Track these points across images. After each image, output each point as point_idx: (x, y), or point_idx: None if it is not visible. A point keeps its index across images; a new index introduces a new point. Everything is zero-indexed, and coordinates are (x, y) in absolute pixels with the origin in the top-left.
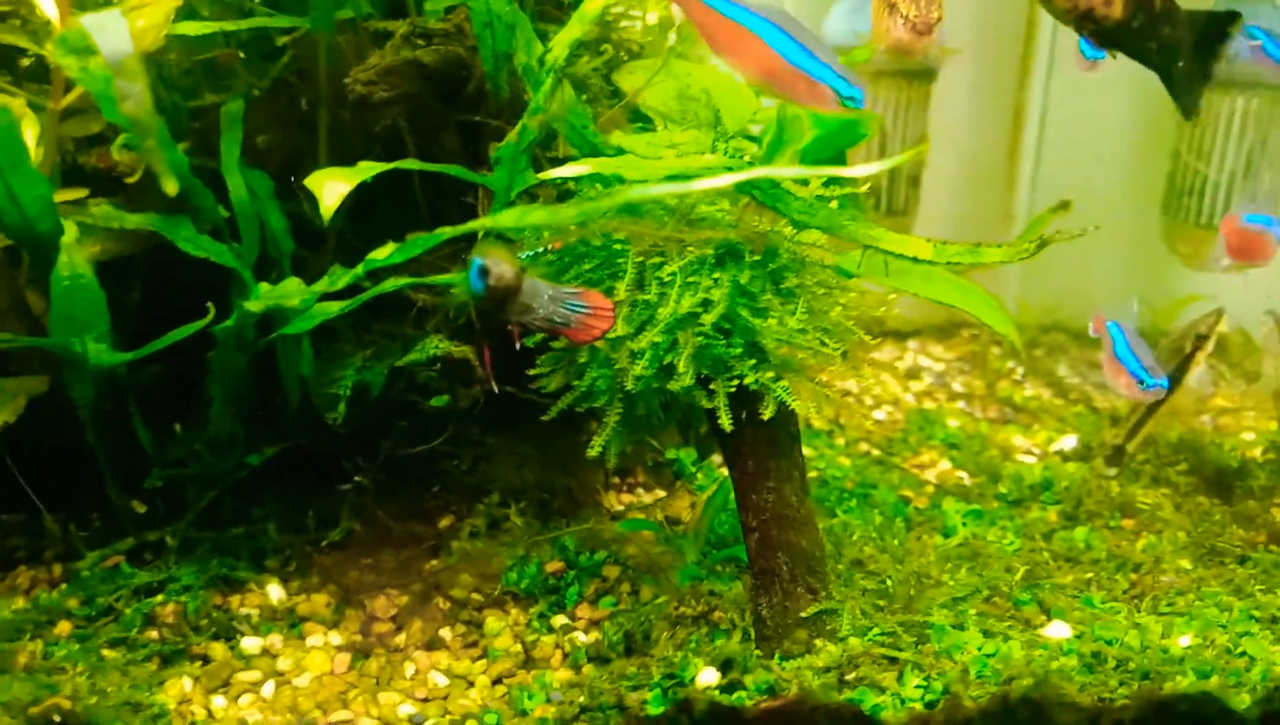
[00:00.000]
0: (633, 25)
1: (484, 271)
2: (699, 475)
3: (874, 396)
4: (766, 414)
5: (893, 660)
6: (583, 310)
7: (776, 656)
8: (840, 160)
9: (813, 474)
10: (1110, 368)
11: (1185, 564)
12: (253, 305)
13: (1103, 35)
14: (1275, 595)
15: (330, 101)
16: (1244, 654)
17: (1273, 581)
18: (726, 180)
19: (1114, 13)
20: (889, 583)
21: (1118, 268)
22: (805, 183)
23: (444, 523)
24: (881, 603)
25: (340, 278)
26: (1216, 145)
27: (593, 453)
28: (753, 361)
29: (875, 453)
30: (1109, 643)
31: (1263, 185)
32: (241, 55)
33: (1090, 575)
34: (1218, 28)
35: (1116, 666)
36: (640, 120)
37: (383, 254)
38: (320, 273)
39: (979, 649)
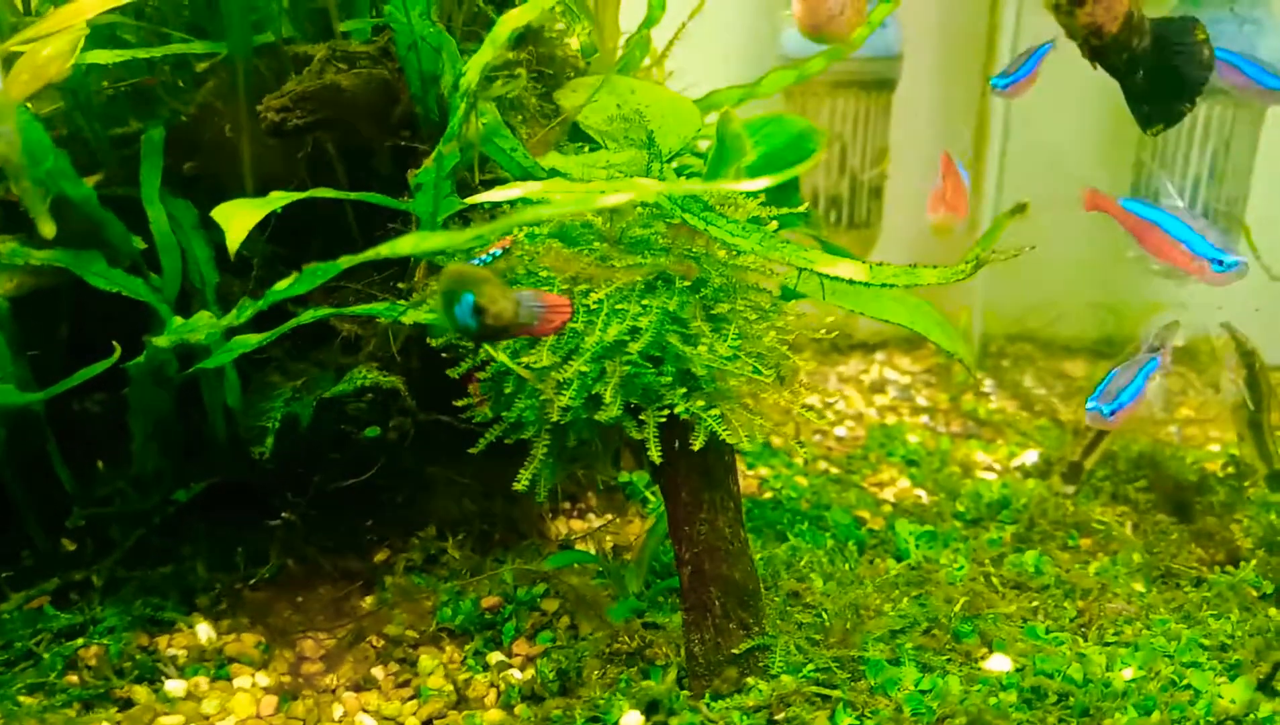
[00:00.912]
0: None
1: (480, 310)
2: (653, 499)
3: (836, 412)
4: (697, 444)
5: (825, 698)
6: (542, 309)
7: (707, 696)
8: (791, 181)
9: (768, 495)
10: (1170, 253)
11: (1139, 587)
12: (160, 341)
13: (1097, 50)
14: (1226, 621)
15: (251, 128)
16: (1188, 686)
17: (1225, 606)
18: (618, 198)
19: (1113, 28)
20: (825, 616)
21: (1085, 277)
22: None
23: (379, 557)
24: (818, 636)
25: (246, 310)
26: (1179, 153)
27: (519, 487)
28: (683, 390)
29: (834, 471)
30: (1050, 676)
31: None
32: (168, 80)
33: (1036, 603)
34: (1173, 36)
35: (1056, 702)
36: (583, 140)
37: (283, 285)
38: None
39: (915, 684)
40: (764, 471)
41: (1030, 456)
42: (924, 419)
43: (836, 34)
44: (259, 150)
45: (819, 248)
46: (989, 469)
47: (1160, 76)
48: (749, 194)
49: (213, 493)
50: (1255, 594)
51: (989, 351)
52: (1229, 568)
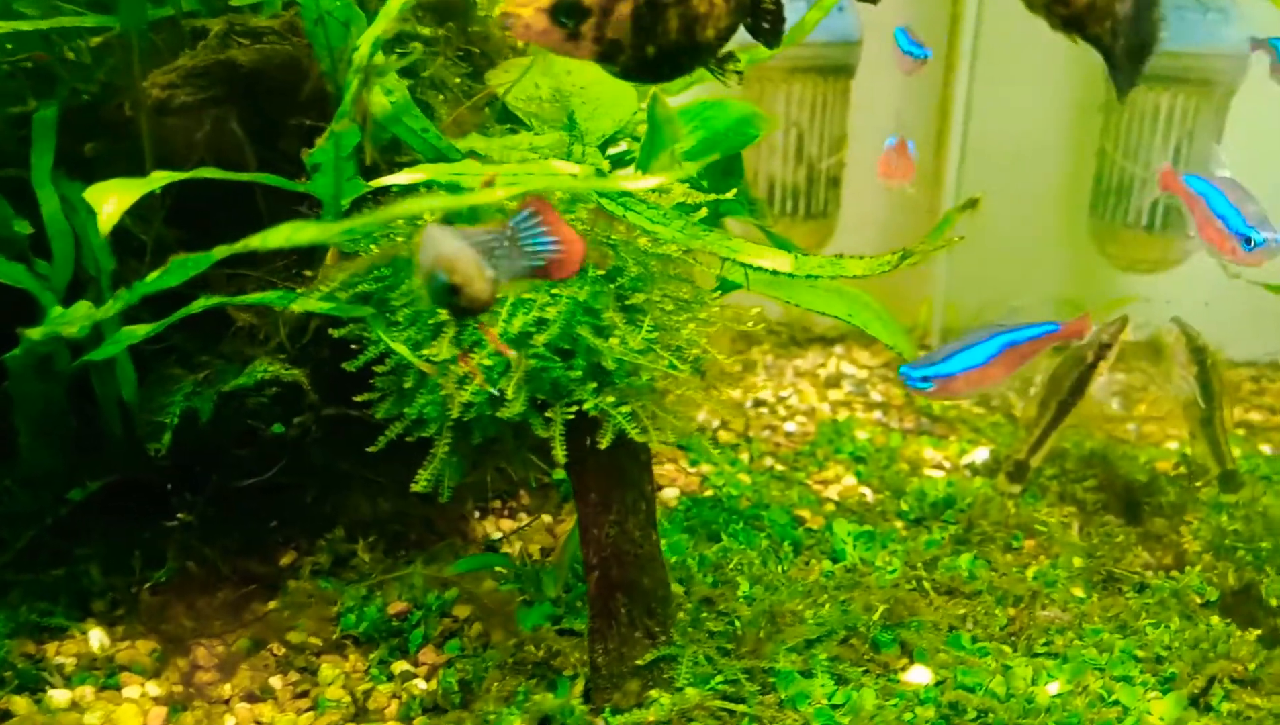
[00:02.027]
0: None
1: (453, 290)
2: None
3: (788, 407)
4: (604, 443)
5: (730, 713)
6: (551, 245)
7: (607, 710)
8: (734, 162)
9: (708, 493)
10: (1207, 230)
11: (1078, 593)
12: (34, 332)
13: (1069, 20)
14: (1164, 630)
15: (148, 106)
16: (1116, 703)
17: (1165, 614)
18: (500, 194)
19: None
20: (738, 624)
21: (1048, 269)
22: (701, 187)
23: (285, 560)
24: (729, 646)
25: (120, 300)
26: (1142, 142)
27: (417, 488)
28: (594, 385)
29: (780, 468)
30: (971, 690)
31: None
32: (68, 57)
33: (965, 610)
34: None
35: (976, 718)
36: (516, 121)
37: (153, 277)
38: None
39: (827, 698)
40: (707, 468)
41: (981, 454)
42: (877, 415)
43: None
44: (159, 130)
45: (764, 238)
46: (938, 467)
47: (1133, 38)
48: (689, 180)
49: (110, 491)
50: (1198, 601)
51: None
52: (1174, 573)
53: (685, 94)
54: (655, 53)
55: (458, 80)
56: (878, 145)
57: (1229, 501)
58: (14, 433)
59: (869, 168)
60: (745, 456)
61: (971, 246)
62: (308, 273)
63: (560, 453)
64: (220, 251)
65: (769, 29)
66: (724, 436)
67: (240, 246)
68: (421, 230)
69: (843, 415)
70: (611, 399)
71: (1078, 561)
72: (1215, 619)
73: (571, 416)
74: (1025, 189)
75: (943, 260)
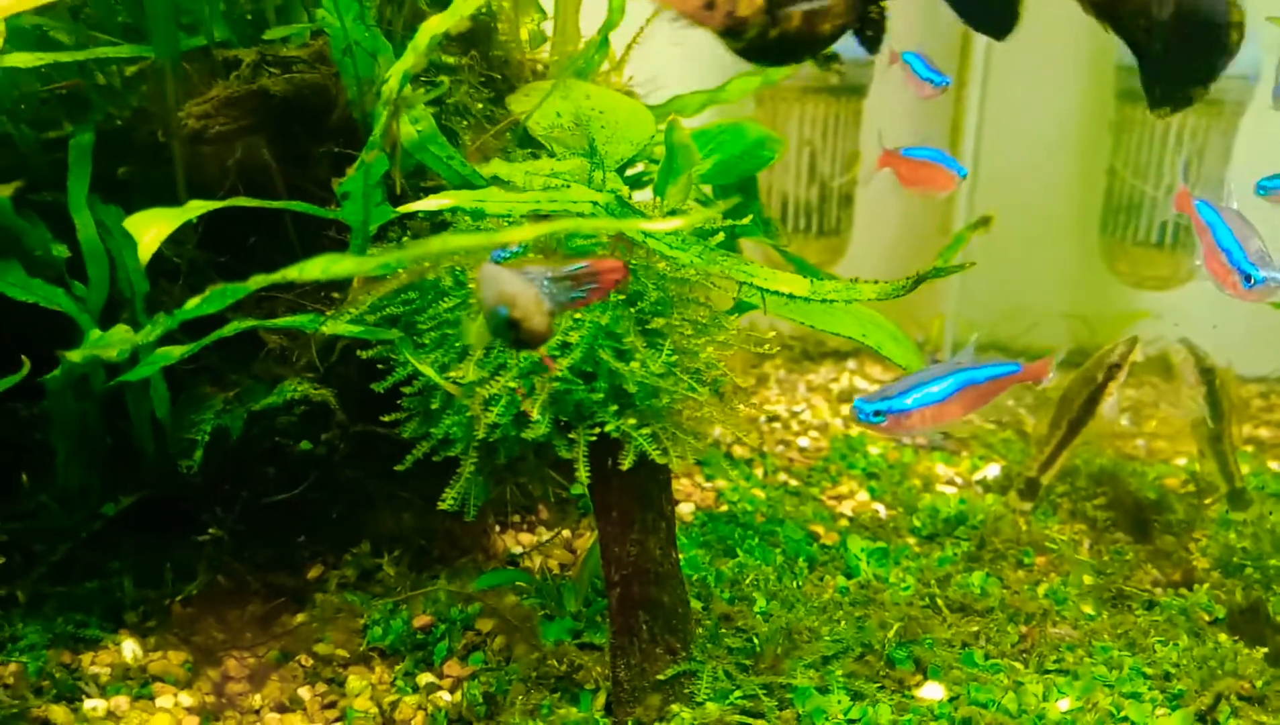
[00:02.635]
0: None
1: (514, 325)
2: None
3: (801, 422)
4: (626, 463)
5: None
6: (593, 284)
7: (629, 723)
8: (749, 184)
9: (724, 508)
10: (1212, 260)
11: (1088, 610)
12: (74, 355)
13: (1105, 9)
14: (1173, 648)
15: (183, 135)
16: (1125, 719)
17: (1174, 631)
18: (528, 233)
19: None
20: (756, 640)
21: (1058, 285)
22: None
23: (312, 573)
24: (748, 662)
25: (159, 326)
26: (1152, 161)
27: (444, 506)
28: (615, 407)
29: (794, 483)
30: (983, 706)
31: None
32: (102, 84)
33: (978, 627)
34: (1201, 10)
35: None
36: (537, 145)
37: (192, 304)
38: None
39: (844, 714)
40: (722, 483)
41: (992, 470)
42: None
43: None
44: (191, 155)
45: (779, 257)
46: (950, 483)
47: (1178, 53)
48: (702, 200)
49: (143, 505)
50: (1206, 619)
51: None
52: (1183, 590)
53: (701, 115)
54: (776, 37)
55: (480, 106)
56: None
57: (1238, 519)
58: (50, 450)
59: (880, 186)
60: (760, 472)
61: (983, 263)
62: (336, 295)
63: (584, 473)
64: (258, 281)
65: (871, 37)
66: (738, 451)
67: (278, 277)
68: (481, 267)
69: (855, 430)
70: (633, 421)
71: (1088, 579)
72: (1223, 636)
73: (594, 437)
74: (1036, 206)
75: (956, 278)
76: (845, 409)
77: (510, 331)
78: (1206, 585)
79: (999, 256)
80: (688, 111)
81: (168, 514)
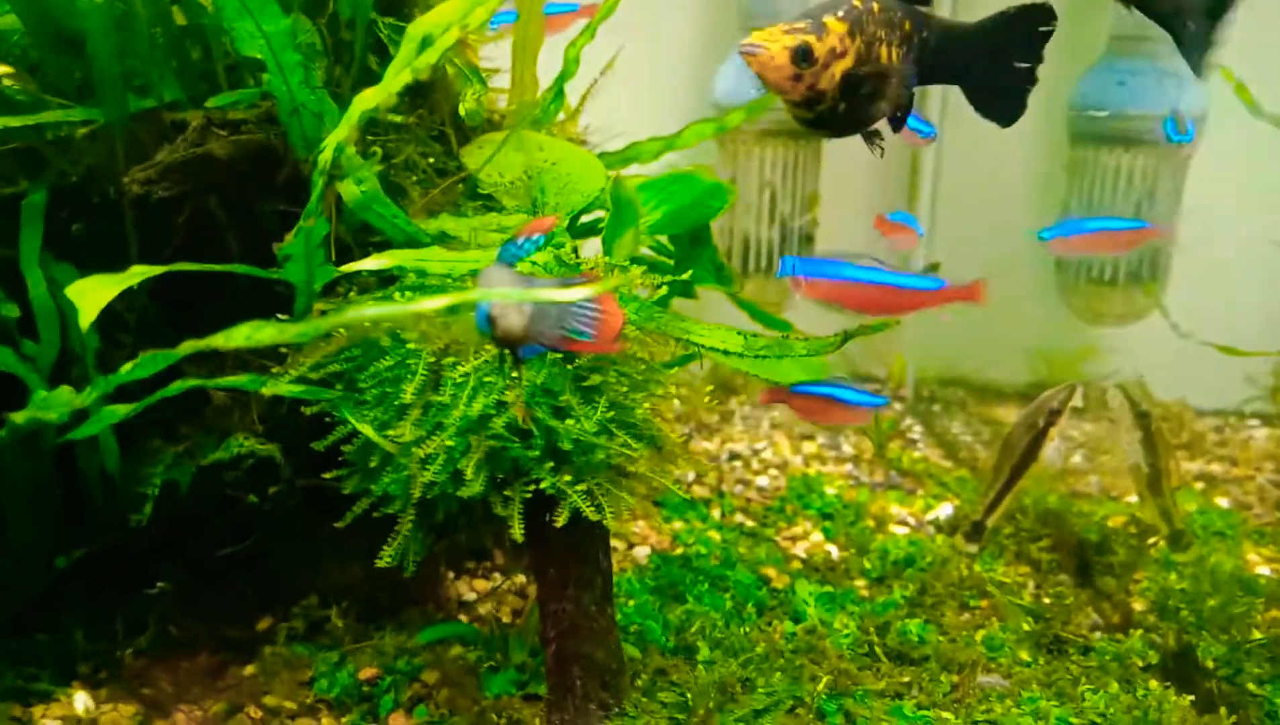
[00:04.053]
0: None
1: (490, 321)
2: None
3: (762, 460)
4: (559, 522)
5: None
6: (593, 314)
7: None
8: (702, 232)
9: (679, 551)
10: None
11: (1025, 656)
12: (18, 417)
13: None
14: (1102, 696)
15: (127, 198)
16: None
17: (1105, 678)
18: (438, 302)
19: None
20: (689, 695)
21: (1017, 321)
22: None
23: (262, 625)
24: (681, 716)
25: (97, 388)
26: (1104, 200)
27: (382, 563)
28: (551, 464)
29: (750, 524)
30: None
31: None
32: (56, 137)
33: (910, 677)
34: None
35: None
36: (486, 196)
37: (125, 369)
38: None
39: None
40: (679, 525)
41: (945, 510)
42: (849, 467)
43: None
44: (140, 214)
45: (732, 302)
46: (902, 523)
47: (1202, 24)
48: (656, 248)
49: (94, 558)
50: (1140, 664)
51: (920, 396)
52: (1119, 635)
53: (659, 160)
54: (845, 111)
55: (431, 160)
56: (849, 204)
57: (1178, 560)
58: (0, 507)
59: (841, 225)
60: (717, 512)
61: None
62: (283, 349)
63: (518, 531)
64: (186, 348)
65: (899, 118)
66: (698, 491)
67: (204, 345)
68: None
69: (814, 468)
70: (568, 478)
71: (1026, 625)
72: (1154, 683)
73: (529, 495)
74: (994, 244)
75: (914, 314)
76: (806, 446)
77: (485, 324)
78: (1140, 631)
79: None
80: (645, 158)
81: (119, 566)
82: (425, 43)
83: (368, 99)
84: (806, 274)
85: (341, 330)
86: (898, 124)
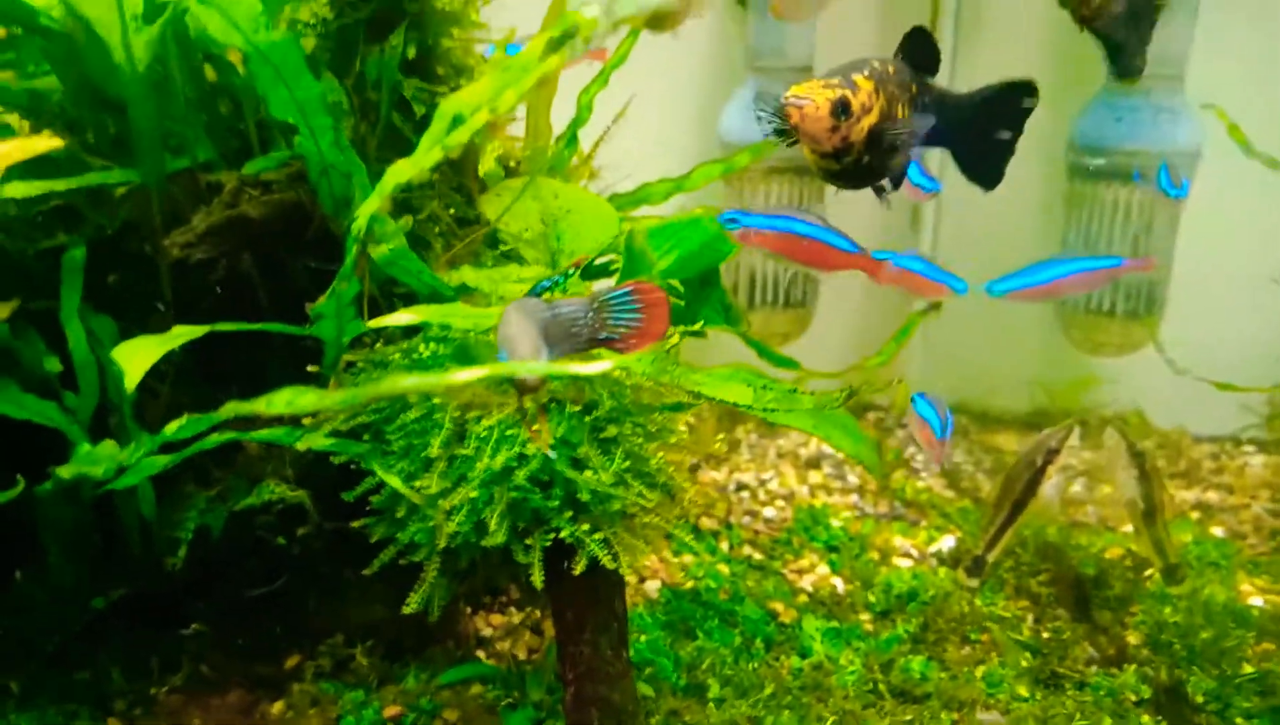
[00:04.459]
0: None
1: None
2: None
3: (768, 491)
4: (578, 569)
5: None
6: (634, 313)
7: None
8: (711, 275)
9: (689, 584)
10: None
11: (1023, 691)
12: (64, 471)
13: (1085, 21)
14: None
15: (167, 261)
16: None
17: (1100, 714)
18: (472, 374)
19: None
20: None
21: (1017, 351)
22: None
23: (290, 663)
24: None
25: (142, 447)
26: (1102, 234)
27: (409, 610)
28: (570, 513)
29: (758, 557)
30: None
31: None
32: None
33: (912, 715)
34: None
35: None
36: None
37: (171, 428)
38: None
39: None
40: (688, 559)
41: (948, 542)
42: (854, 498)
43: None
44: (177, 268)
45: (741, 340)
46: (906, 556)
47: (1131, 35)
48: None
49: (131, 599)
50: (1133, 699)
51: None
52: (1113, 669)
53: (668, 202)
54: (867, 163)
55: (452, 211)
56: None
57: (1173, 593)
58: (43, 550)
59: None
60: (725, 544)
61: (946, 330)
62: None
63: (539, 578)
64: (228, 411)
65: (899, 174)
66: (706, 523)
67: (246, 409)
68: (507, 303)
69: (820, 499)
70: (586, 527)
71: (1024, 661)
72: (1146, 718)
73: (549, 543)
74: (995, 276)
75: (918, 343)
76: (812, 476)
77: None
78: (1134, 666)
79: (961, 324)
80: (655, 199)
81: (154, 606)
82: (456, 121)
83: (400, 172)
84: (749, 224)
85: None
86: (898, 180)
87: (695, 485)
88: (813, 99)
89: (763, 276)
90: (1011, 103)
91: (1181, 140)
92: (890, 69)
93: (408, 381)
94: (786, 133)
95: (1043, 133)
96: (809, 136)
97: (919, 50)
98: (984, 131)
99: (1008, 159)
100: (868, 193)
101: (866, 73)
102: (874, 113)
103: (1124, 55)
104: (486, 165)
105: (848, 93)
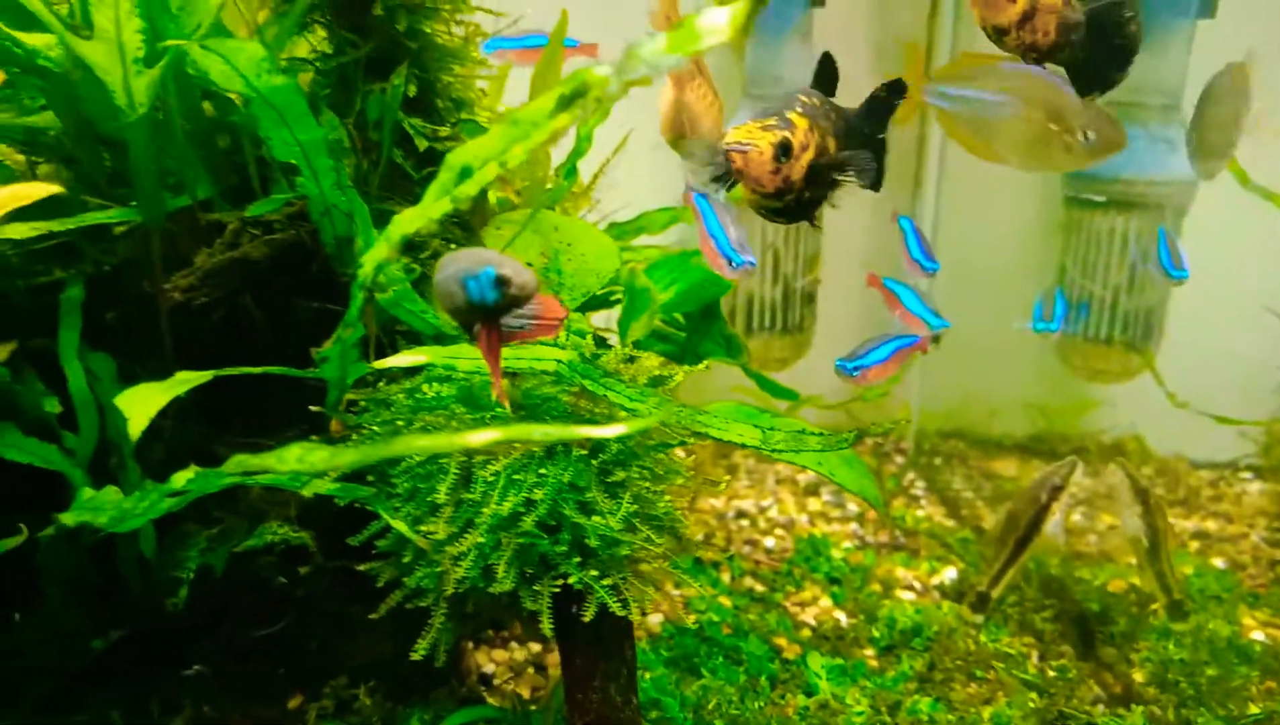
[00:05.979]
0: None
1: (503, 281)
2: None
3: (768, 519)
4: (587, 616)
5: None
6: (534, 319)
7: None
8: (712, 307)
9: (692, 619)
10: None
11: None
12: (67, 518)
13: (1039, 55)
14: None
15: (168, 304)
16: None
17: None
18: (485, 437)
19: (1047, 42)
20: None
21: (1016, 376)
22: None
23: (293, 704)
24: None
25: (148, 497)
26: (1100, 261)
27: (416, 656)
28: (578, 559)
29: (760, 588)
30: None
31: None
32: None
33: None
34: (1108, 20)
35: None
36: None
37: (180, 479)
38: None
39: None
40: (691, 592)
41: (950, 574)
42: (853, 527)
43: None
44: (176, 308)
45: (742, 372)
46: (909, 588)
47: (1097, 53)
48: (669, 321)
49: (131, 639)
50: None
51: (922, 448)
52: (1120, 710)
53: (667, 232)
54: (806, 200)
55: (453, 246)
56: (850, 264)
57: (1177, 629)
58: (41, 592)
59: (842, 284)
60: (726, 576)
61: (946, 357)
62: (314, 438)
63: (547, 625)
64: (235, 464)
65: (877, 181)
66: (706, 554)
67: (256, 464)
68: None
69: (820, 527)
70: (594, 572)
71: (1031, 701)
72: None
73: (557, 589)
74: (994, 303)
75: (918, 369)
76: (811, 503)
77: (499, 287)
78: (1141, 707)
79: (961, 350)
80: (654, 228)
81: (155, 647)
82: (464, 174)
83: (408, 222)
84: (861, 366)
85: (374, 426)
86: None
87: (694, 513)
88: (755, 143)
89: (761, 302)
90: (884, 102)
91: (1178, 170)
92: (815, 101)
93: (421, 441)
94: (725, 177)
95: None
96: (753, 180)
97: (825, 75)
98: (869, 136)
99: (884, 158)
100: (865, 219)
101: (800, 109)
102: (810, 150)
103: (1082, 77)
104: (489, 205)
105: (788, 134)
